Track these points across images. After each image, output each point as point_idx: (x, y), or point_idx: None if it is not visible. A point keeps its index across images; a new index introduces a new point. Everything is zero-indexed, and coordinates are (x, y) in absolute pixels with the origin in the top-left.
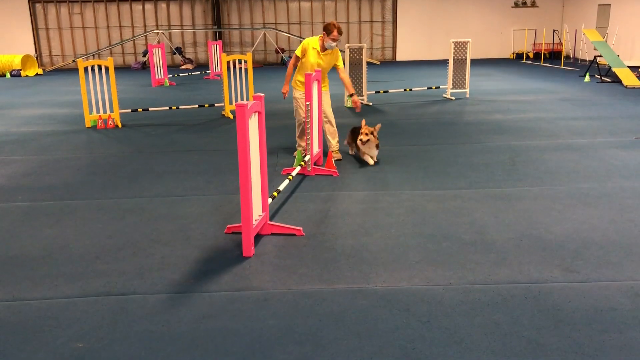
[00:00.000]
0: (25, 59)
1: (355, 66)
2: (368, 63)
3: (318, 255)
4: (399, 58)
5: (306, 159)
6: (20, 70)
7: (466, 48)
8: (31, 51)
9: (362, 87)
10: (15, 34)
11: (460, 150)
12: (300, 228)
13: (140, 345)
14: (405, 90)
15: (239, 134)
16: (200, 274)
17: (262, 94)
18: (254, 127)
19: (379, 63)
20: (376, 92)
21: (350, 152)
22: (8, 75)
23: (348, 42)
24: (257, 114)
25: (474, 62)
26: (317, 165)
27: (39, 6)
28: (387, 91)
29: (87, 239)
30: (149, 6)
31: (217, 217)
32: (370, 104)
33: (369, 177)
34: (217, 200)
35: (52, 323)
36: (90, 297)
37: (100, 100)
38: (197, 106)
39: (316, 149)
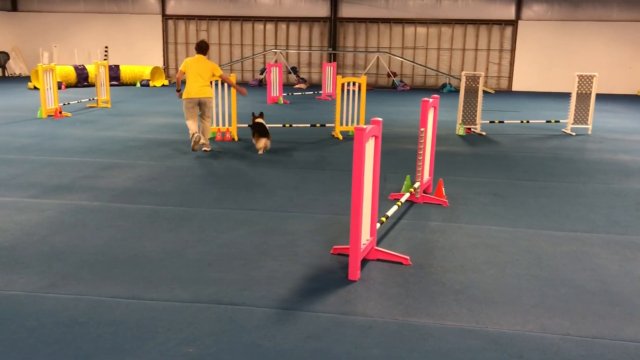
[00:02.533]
0: (154, 71)
1: (470, 94)
2: (483, 92)
3: (425, 288)
4: (514, 88)
5: (415, 185)
6: (149, 80)
7: (592, 82)
8: (160, 63)
9: (476, 116)
10: (148, 47)
11: (580, 190)
12: (407, 257)
13: (247, 357)
14: (521, 122)
15: (356, 156)
16: (306, 292)
17: (380, 119)
18: (370, 151)
19: (493, 92)
20: (490, 122)
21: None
22: (138, 85)
23: (463, 70)
24: (374, 138)
25: (598, 97)
26: (427, 194)
27: (170, 22)
28: (502, 121)
29: (201, 246)
30: (270, 26)
31: (323, 237)
32: (484, 133)
33: (481, 210)
34: (324, 219)
35: (166, 325)
36: (202, 304)
37: (220, 113)
38: (308, 125)
39: (426, 176)
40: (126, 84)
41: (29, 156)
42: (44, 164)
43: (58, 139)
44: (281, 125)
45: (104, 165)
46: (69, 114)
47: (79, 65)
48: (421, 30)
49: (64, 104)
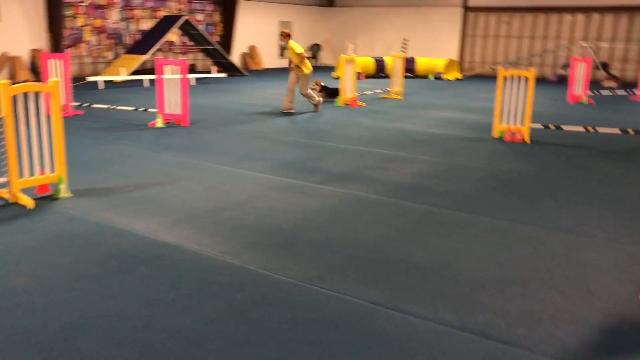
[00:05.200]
0: (449, 64)
1: None
2: None
3: None
4: None
5: None
6: (442, 73)
7: None
8: (455, 56)
9: None
10: (444, 40)
11: None
12: None
13: None
14: None
15: None
16: (602, 348)
17: None
18: None
19: None
20: None
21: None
22: (431, 77)
23: None
24: None
25: None
26: None
27: (471, 14)
28: None
29: (475, 261)
30: (580, 17)
31: (632, 276)
32: None
33: None
34: (635, 252)
35: (425, 350)
36: (467, 333)
37: (512, 111)
38: (618, 131)
39: None
40: (420, 77)
41: (321, 142)
42: (332, 150)
43: (349, 127)
44: (582, 128)
45: (387, 157)
46: (364, 104)
47: (378, 57)
48: None
49: (360, 94)
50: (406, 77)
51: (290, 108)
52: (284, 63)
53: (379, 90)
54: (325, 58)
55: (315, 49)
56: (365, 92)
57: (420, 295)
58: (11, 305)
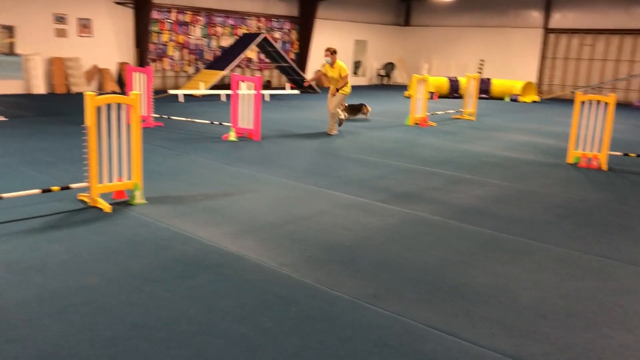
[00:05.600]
0: (526, 86)
1: None
2: None
3: None
4: None
5: None
6: (519, 95)
7: None
8: (533, 78)
9: None
10: (522, 61)
11: None
12: None
13: None
14: None
15: None
16: None
17: None
18: None
19: None
20: None
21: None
22: (507, 99)
23: None
24: None
25: None
26: None
27: (552, 36)
28: None
29: (537, 290)
30: None
31: None
32: None
33: None
34: None
35: None
36: None
37: (589, 137)
38: None
39: None
40: (495, 98)
41: (388, 160)
42: (399, 169)
43: (417, 146)
44: None
45: (454, 179)
46: (434, 124)
47: (453, 77)
48: None
49: (431, 114)
50: (481, 98)
51: (335, 128)
52: (357, 81)
53: (451, 111)
54: (398, 77)
55: (388, 68)
56: (436, 112)
57: (477, 321)
58: (82, 302)
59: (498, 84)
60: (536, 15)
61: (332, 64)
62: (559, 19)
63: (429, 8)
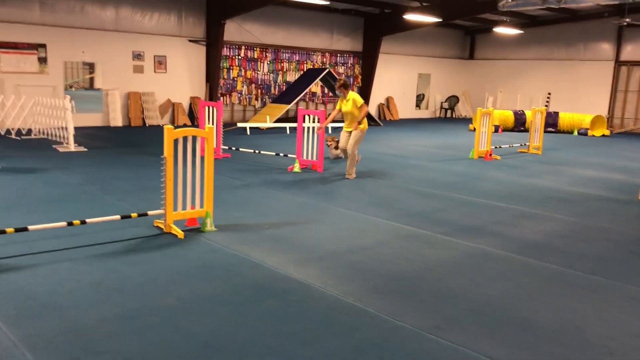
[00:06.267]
0: (595, 119)
1: None
2: None
3: None
4: None
5: None
6: (588, 129)
7: None
8: (603, 112)
9: None
10: (592, 94)
11: None
12: None
13: None
14: None
15: None
16: None
17: None
18: None
19: None
20: None
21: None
22: (575, 133)
23: None
24: None
25: None
26: None
27: (624, 68)
28: None
29: (605, 328)
30: None
31: None
32: None
33: None
34: None
35: None
36: None
37: None
38: None
39: None
40: (563, 132)
41: (451, 193)
42: (462, 202)
43: (481, 180)
44: None
45: (519, 214)
46: (499, 157)
47: (519, 110)
48: None
49: (495, 147)
50: (547, 132)
51: (354, 172)
52: (420, 114)
53: (516, 144)
54: (462, 110)
55: (452, 101)
56: (501, 146)
57: (541, 355)
58: (159, 322)
59: (566, 118)
60: (607, 48)
61: (344, 97)
62: (630, 51)
63: (495, 41)
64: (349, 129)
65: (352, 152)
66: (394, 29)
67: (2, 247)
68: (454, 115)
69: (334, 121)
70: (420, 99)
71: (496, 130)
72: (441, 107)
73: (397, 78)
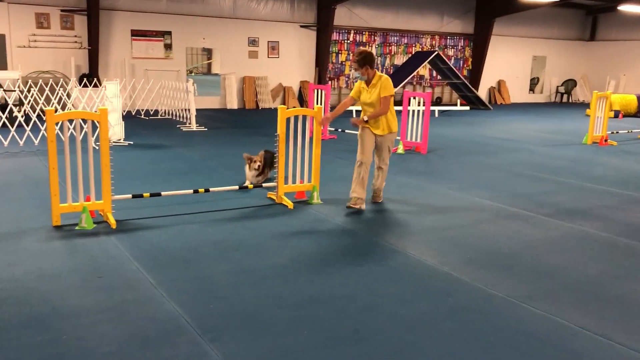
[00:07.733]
0: None
1: None
2: None
3: None
4: None
5: None
6: None
7: None
8: None
9: None
10: None
11: None
12: None
13: None
14: None
15: None
16: None
17: None
18: None
19: None
20: None
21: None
22: None
23: None
24: None
25: None
26: None
27: None
28: None
29: None
30: None
31: None
32: None
33: None
34: None
35: None
36: None
37: None
38: None
39: None
40: None
41: (559, 177)
42: (569, 187)
43: (593, 165)
44: None
45: (630, 199)
46: (615, 143)
47: None
48: None
49: (612, 132)
50: None
51: (360, 201)
52: (534, 98)
53: (637, 130)
54: (580, 95)
55: (569, 85)
56: (619, 131)
57: (633, 327)
58: (272, 276)
59: None
60: None
61: (367, 82)
62: None
63: (619, 20)
64: (377, 131)
65: (387, 165)
66: (508, 10)
67: (139, 209)
68: (570, 100)
69: (442, 104)
70: (534, 82)
71: (616, 116)
72: (557, 91)
73: (510, 61)
